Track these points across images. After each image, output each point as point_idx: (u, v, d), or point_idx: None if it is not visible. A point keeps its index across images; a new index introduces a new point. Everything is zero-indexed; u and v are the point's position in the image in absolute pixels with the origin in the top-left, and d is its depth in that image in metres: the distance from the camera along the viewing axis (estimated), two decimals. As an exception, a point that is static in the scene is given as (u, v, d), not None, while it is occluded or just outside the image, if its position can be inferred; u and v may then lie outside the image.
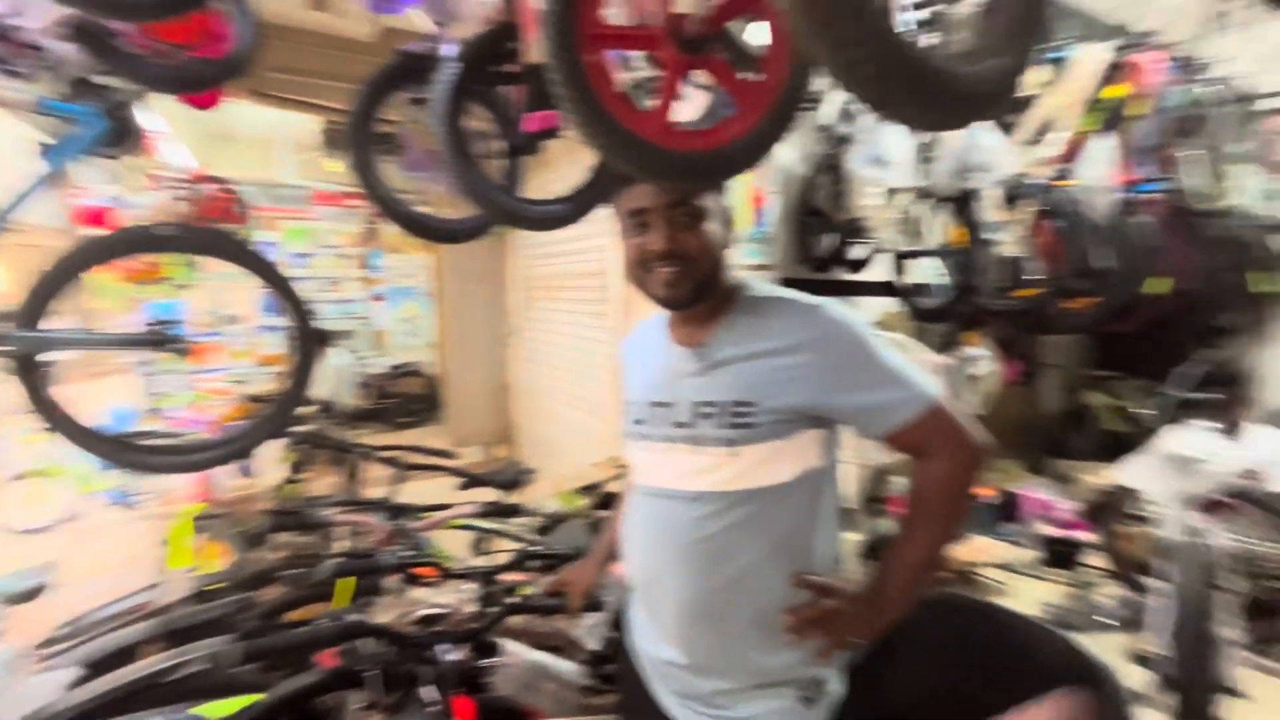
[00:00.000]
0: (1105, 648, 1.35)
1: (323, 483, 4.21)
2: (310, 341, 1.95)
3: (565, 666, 1.62)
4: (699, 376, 1.03)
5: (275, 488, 3.10)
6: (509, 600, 1.49)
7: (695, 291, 1.02)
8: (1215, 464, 1.97)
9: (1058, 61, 3.07)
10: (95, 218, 3.83)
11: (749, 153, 0.89)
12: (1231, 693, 1.63)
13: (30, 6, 1.42)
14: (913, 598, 1.01)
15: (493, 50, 1.28)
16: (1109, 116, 3.07)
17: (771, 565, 1.01)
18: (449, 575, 1.67)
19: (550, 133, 1.34)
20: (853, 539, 3.00)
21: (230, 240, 1.92)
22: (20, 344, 1.54)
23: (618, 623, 1.71)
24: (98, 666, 1.66)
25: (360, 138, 1.56)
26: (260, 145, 7.85)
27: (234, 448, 1.95)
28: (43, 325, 1.60)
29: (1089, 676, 1.03)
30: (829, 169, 2.97)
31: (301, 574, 2.23)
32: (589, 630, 1.69)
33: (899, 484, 3.22)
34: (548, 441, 4.82)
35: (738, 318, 1.04)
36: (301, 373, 1.97)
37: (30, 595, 1.94)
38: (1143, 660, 1.72)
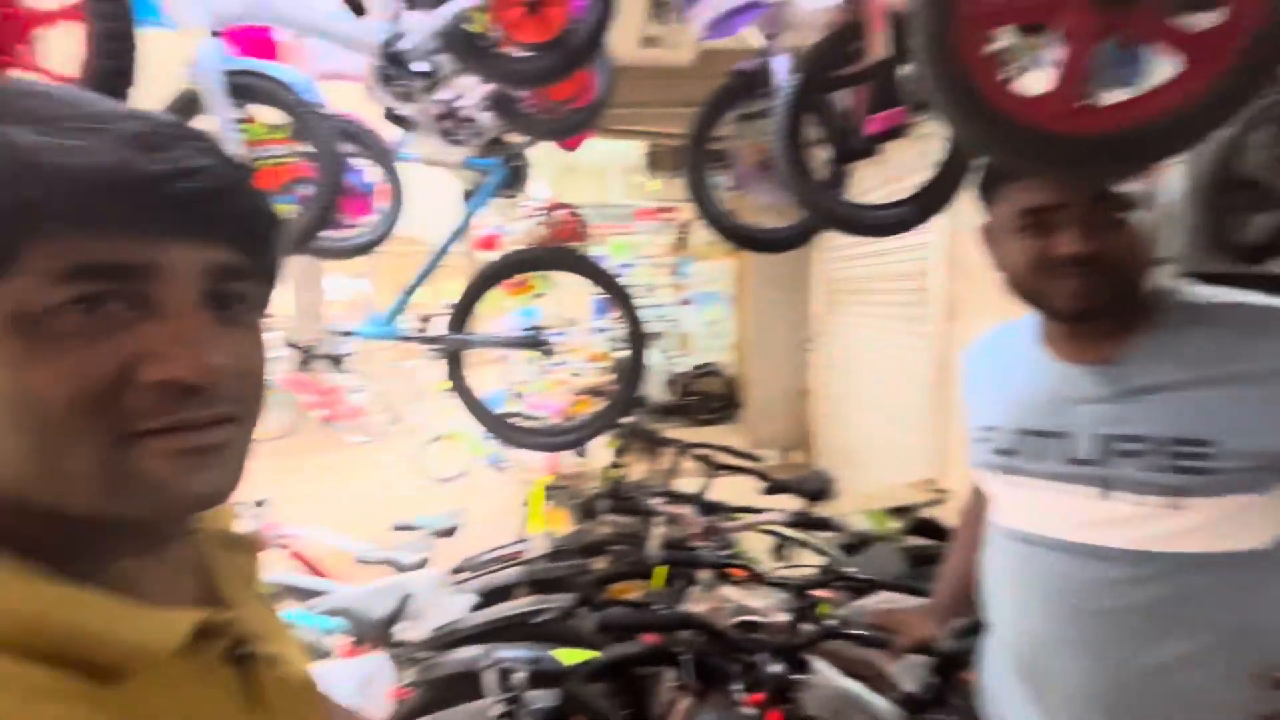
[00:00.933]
0: None
1: (638, 470, 4.72)
2: (642, 342, 2.18)
3: (879, 703, 1.51)
4: (1110, 404, 0.82)
5: (602, 470, 3.57)
6: (827, 622, 1.45)
7: (1111, 301, 0.82)
8: None
9: None
10: (488, 244, 4.91)
11: (1196, 124, 0.67)
12: None
13: (469, 89, 1.86)
14: None
15: (833, 55, 1.24)
16: None
17: (1222, 655, 0.76)
18: (759, 580, 1.70)
19: (895, 132, 1.25)
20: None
21: (584, 258, 2.27)
22: (452, 343, 2.04)
23: (943, 667, 1.53)
24: (487, 597, 2.13)
25: (697, 157, 1.67)
26: (596, 172, 9.21)
27: (581, 434, 2.29)
28: (465, 329, 2.11)
29: None
30: (1270, 121, 2.18)
31: (627, 552, 2.53)
32: (908, 670, 1.54)
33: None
34: (848, 452, 4.61)
35: (1171, 332, 0.80)
36: (635, 370, 2.21)
37: (449, 532, 2.57)
38: None
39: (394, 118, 1.69)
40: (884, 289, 3.96)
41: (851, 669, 1.63)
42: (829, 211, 1.28)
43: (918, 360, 3.45)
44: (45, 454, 0.34)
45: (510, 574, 2.18)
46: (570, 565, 2.25)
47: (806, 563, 2.52)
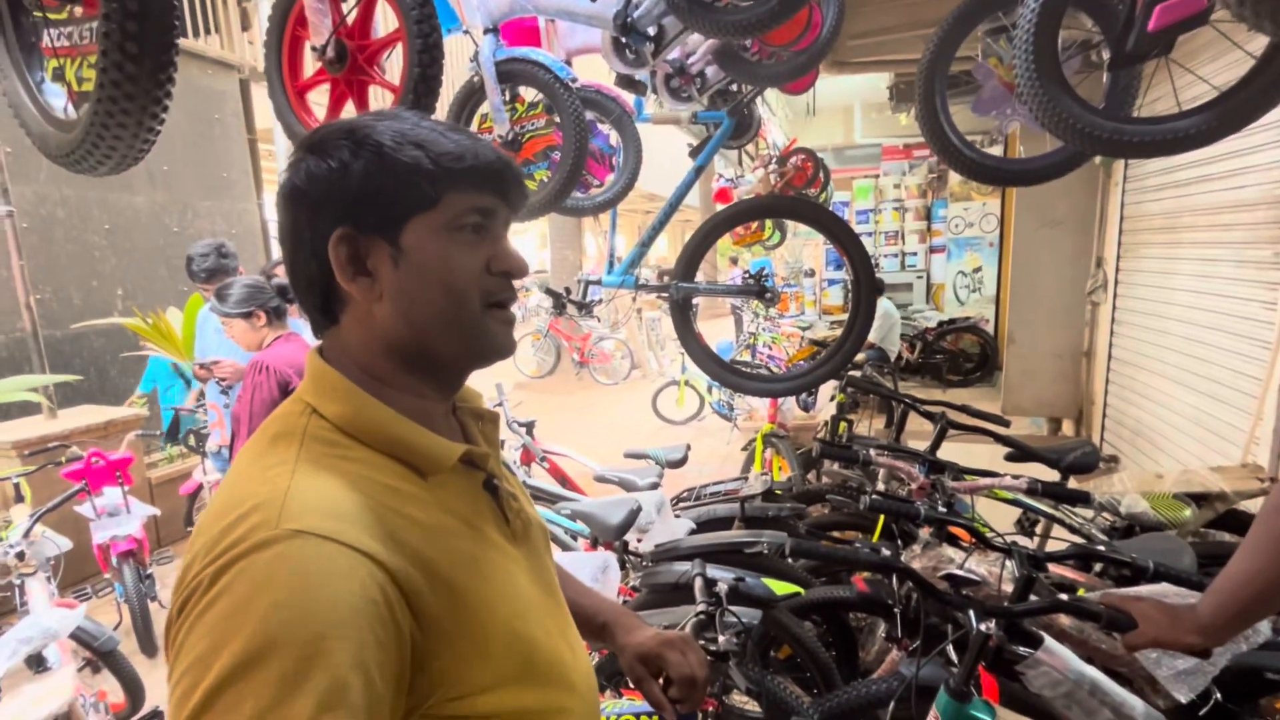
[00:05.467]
0: None
1: (868, 425, 4.53)
2: (869, 290, 2.09)
3: (1134, 702, 1.33)
4: None
5: (827, 423, 3.52)
6: (1061, 597, 1.30)
7: None
8: None
9: None
10: (723, 196, 5.02)
11: None
12: None
13: (696, 46, 1.94)
14: None
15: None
16: None
17: None
18: (985, 544, 1.58)
19: (1193, 21, 1.01)
20: None
21: (807, 203, 2.23)
22: (680, 291, 2.20)
23: (1235, 682, 1.29)
24: (704, 525, 2.33)
25: (930, 83, 1.53)
26: (839, 112, 8.62)
27: (799, 382, 2.31)
28: (692, 279, 2.25)
29: None
30: None
31: (844, 502, 2.51)
32: (1179, 675, 1.33)
33: None
34: (1139, 427, 3.82)
35: None
36: (860, 320, 2.14)
37: (677, 464, 2.83)
38: None
39: (627, 82, 1.85)
40: (1211, 225, 3.12)
41: (1103, 662, 1.46)
42: (1080, 130, 1.08)
43: (1256, 314, 2.70)
44: (452, 307, 0.59)
45: (725, 508, 2.34)
46: (786, 508, 2.32)
47: (1059, 539, 2.23)
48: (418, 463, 0.58)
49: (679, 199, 2.29)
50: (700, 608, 1.34)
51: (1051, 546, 2.29)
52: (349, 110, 1.37)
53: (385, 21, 1.30)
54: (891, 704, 1.34)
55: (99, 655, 2.17)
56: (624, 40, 1.56)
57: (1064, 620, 1.55)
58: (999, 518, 2.21)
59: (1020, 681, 1.37)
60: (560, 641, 0.64)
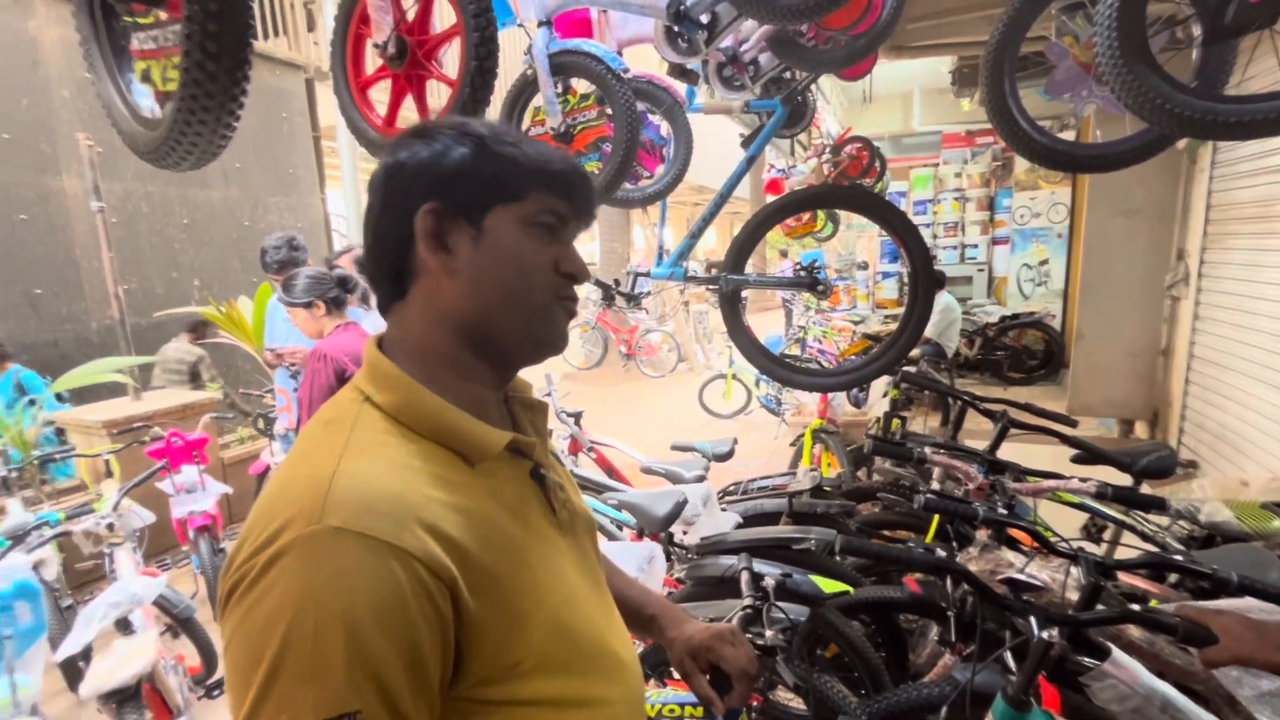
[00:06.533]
0: None
1: (921, 423, 4.39)
2: (927, 284, 2.02)
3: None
4: None
5: (879, 419, 3.43)
6: (1134, 607, 1.23)
7: None
8: None
9: None
10: (774, 187, 4.92)
11: None
12: None
13: (750, 33, 1.91)
14: None
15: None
16: None
17: None
18: (1049, 549, 1.51)
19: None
20: None
21: (863, 193, 2.16)
22: (729, 284, 2.18)
23: None
24: (750, 520, 2.30)
25: (999, 65, 1.45)
26: (898, 99, 8.33)
27: (851, 378, 2.26)
28: (742, 271, 2.22)
29: None
30: None
31: (896, 501, 2.44)
32: (1263, 697, 1.25)
33: None
34: (1225, 431, 3.56)
35: None
36: (917, 315, 2.07)
37: (724, 457, 2.81)
38: None
39: (679, 71, 1.84)
40: (1308, 213, 2.88)
41: (1175, 678, 1.38)
42: (1180, 112, 1.00)
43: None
44: (524, 292, 0.63)
45: (772, 503, 2.31)
46: (835, 505, 2.27)
47: (1130, 547, 2.11)
48: (465, 450, 0.59)
49: (730, 190, 2.26)
50: (746, 601, 1.33)
51: (1120, 555, 2.17)
52: (408, 105, 1.41)
53: (443, 17, 1.33)
54: (945, 709, 1.30)
55: (178, 621, 2.34)
56: (677, 29, 1.54)
57: (1133, 632, 1.47)
58: (1064, 523, 2.10)
59: (1084, 694, 1.30)
60: (607, 632, 0.65)
